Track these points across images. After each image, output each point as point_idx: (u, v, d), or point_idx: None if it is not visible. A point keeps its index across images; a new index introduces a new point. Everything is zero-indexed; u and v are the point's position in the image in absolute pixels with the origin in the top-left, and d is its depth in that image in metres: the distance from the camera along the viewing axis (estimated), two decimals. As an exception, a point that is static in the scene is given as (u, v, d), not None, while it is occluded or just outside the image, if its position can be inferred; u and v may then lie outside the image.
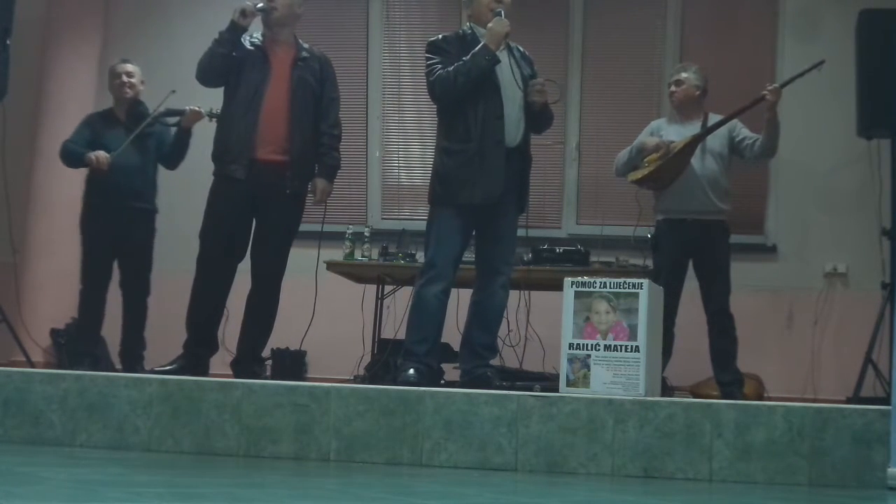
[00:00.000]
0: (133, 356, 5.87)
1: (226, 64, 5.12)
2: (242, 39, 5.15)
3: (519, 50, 5.04)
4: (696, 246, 5.68)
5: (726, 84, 6.56)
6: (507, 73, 4.84)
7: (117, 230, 5.83)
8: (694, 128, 5.73)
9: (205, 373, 5.05)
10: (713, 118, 5.75)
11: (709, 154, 5.69)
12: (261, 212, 5.13)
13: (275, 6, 5.15)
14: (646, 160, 5.74)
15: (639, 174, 5.77)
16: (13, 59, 5.76)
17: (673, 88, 5.85)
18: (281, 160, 5.09)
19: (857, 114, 5.90)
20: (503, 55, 4.84)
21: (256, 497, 2.65)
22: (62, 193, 7.38)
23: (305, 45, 5.32)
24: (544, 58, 7.70)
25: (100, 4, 8.00)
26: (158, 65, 6.88)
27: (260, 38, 5.22)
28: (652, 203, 5.90)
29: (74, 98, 7.55)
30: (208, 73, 5.19)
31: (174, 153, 5.97)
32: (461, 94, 4.78)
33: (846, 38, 6.10)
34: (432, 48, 4.92)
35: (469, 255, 5.08)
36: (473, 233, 4.95)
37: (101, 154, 5.75)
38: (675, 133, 5.77)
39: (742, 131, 5.75)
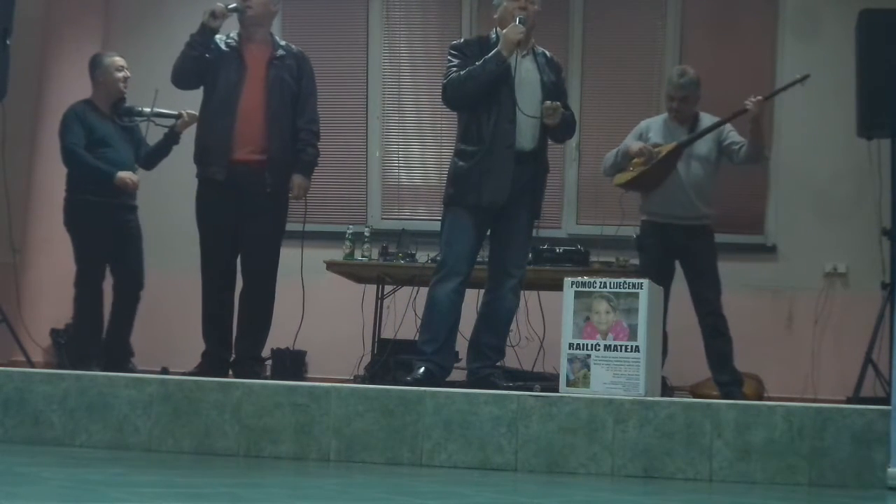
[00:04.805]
0: (121, 355, 5.77)
1: (198, 67, 5.12)
2: (218, 40, 5.12)
3: (546, 55, 5.03)
4: (679, 249, 5.68)
5: (726, 84, 6.56)
6: (526, 78, 4.83)
7: (108, 227, 5.77)
8: (685, 129, 5.72)
9: (226, 375, 5.06)
10: (704, 118, 5.74)
11: (695, 159, 5.68)
12: (245, 212, 5.12)
13: (249, 5, 5.12)
14: (632, 163, 5.73)
15: (623, 178, 5.78)
16: (13, 59, 5.76)
17: (676, 105, 5.73)
18: (259, 160, 5.09)
19: (857, 114, 5.89)
20: (526, 60, 4.83)
21: (256, 497, 2.65)
22: (62, 193, 7.37)
23: (282, 43, 5.29)
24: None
25: (100, 4, 8.00)
26: (158, 65, 6.83)
27: (236, 37, 5.18)
28: (636, 203, 5.90)
29: (74, 98, 7.48)
30: (182, 77, 5.20)
31: (158, 155, 5.89)
32: (470, 97, 4.80)
33: (846, 38, 6.09)
34: (452, 50, 4.93)
35: (483, 257, 5.09)
36: (488, 233, 4.95)
37: (134, 177, 5.70)
38: (667, 134, 5.73)
39: (730, 135, 5.73)
